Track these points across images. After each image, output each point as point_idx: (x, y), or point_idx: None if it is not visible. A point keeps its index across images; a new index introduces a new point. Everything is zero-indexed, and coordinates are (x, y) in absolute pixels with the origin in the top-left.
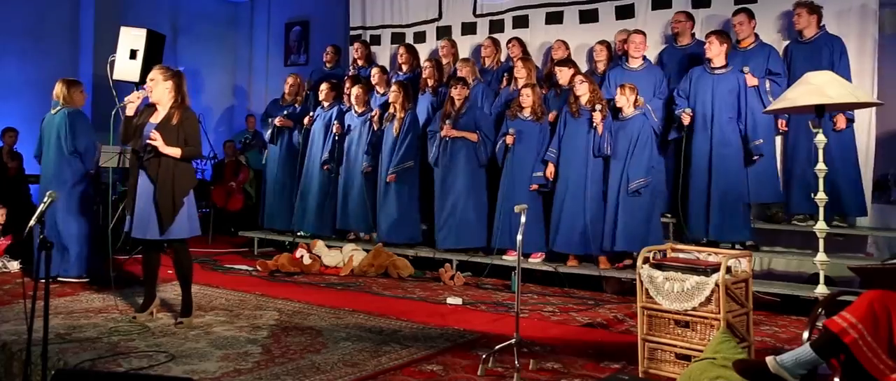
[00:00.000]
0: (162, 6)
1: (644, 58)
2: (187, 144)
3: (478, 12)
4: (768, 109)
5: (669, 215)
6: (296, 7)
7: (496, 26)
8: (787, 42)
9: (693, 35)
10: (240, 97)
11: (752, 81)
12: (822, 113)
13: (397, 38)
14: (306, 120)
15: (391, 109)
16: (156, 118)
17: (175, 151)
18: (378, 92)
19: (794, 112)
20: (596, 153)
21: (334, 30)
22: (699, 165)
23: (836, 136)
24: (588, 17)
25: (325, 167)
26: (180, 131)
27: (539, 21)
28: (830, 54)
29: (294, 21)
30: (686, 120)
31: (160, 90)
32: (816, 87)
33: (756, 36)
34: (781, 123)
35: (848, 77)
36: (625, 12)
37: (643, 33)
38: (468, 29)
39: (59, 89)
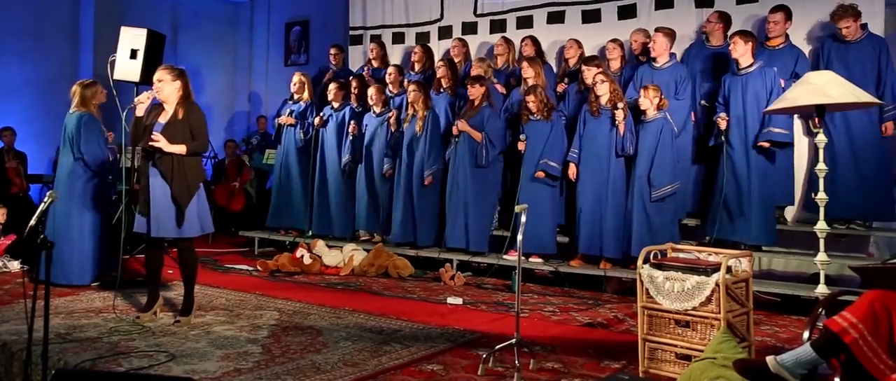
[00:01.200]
0: (162, 6)
1: (672, 55)
2: (194, 138)
3: (479, 12)
4: (768, 108)
5: (692, 218)
6: (296, 7)
7: (497, 26)
8: (812, 46)
9: (726, 36)
10: (239, 97)
11: (780, 81)
12: (822, 113)
13: (398, 38)
14: (317, 121)
15: (411, 110)
16: (164, 117)
17: (180, 149)
18: (391, 91)
19: (793, 112)
20: (619, 153)
21: (334, 30)
22: (735, 167)
23: (873, 140)
24: (590, 16)
25: (346, 168)
26: (187, 126)
27: (541, 21)
28: (877, 55)
29: (294, 21)
30: (722, 125)
31: (169, 90)
32: (817, 87)
33: (787, 37)
34: (813, 122)
35: (894, 79)
36: (627, 12)
37: (664, 32)
38: (469, 29)
39: (74, 91)
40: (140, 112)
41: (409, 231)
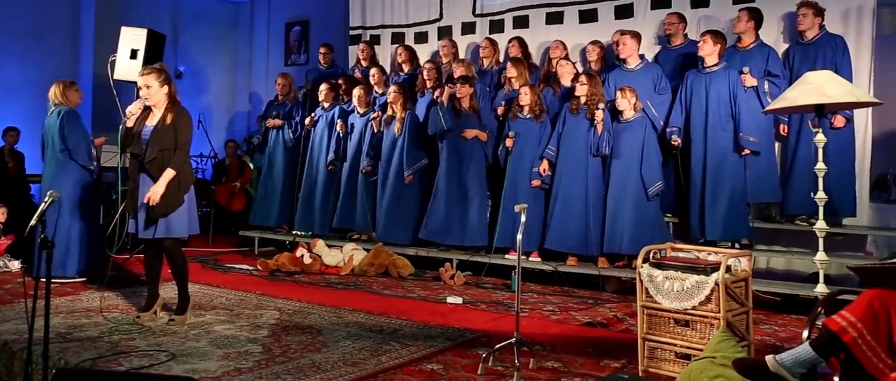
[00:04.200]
0: (162, 6)
1: (641, 57)
2: (177, 146)
3: (478, 12)
4: (768, 108)
5: (671, 215)
6: (296, 7)
7: (496, 26)
8: (787, 45)
9: (686, 36)
10: (240, 97)
11: (750, 81)
12: (821, 113)
13: (397, 38)
14: (307, 121)
15: (390, 110)
16: (152, 120)
17: (169, 175)
18: (376, 92)
19: (793, 112)
20: (594, 153)
21: (334, 30)
22: (697, 165)
23: (834, 135)
24: (588, 17)
25: (331, 167)
26: (173, 131)
27: (539, 21)
28: (833, 54)
29: (294, 21)
30: (674, 144)
31: (159, 96)
32: (816, 86)
33: (757, 36)
34: (783, 128)
35: (850, 77)
36: (624, 12)
37: (633, 34)
38: (468, 29)
39: (53, 91)
40: (131, 123)
41: (392, 229)
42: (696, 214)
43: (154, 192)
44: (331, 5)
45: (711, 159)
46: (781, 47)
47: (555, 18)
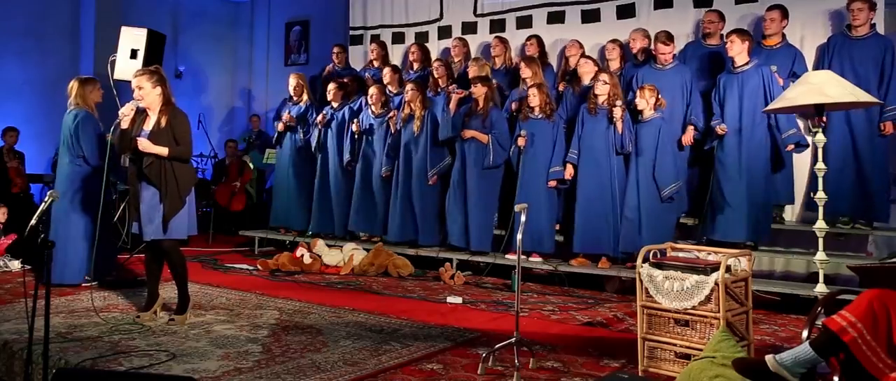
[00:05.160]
0: (162, 6)
1: (674, 56)
2: (177, 145)
3: (478, 12)
4: (767, 108)
5: (691, 217)
6: (296, 7)
7: (497, 26)
8: (816, 42)
9: (722, 36)
10: (240, 97)
11: (778, 80)
12: (821, 112)
13: (398, 38)
14: (319, 119)
15: (407, 109)
16: (148, 124)
17: (162, 150)
18: (391, 91)
19: (793, 111)
20: (618, 150)
21: (334, 30)
22: (725, 166)
23: (882, 142)
24: (590, 16)
25: (349, 168)
26: (170, 132)
27: (541, 21)
28: (882, 54)
29: (294, 21)
30: (721, 132)
31: (152, 97)
32: (816, 86)
33: (783, 36)
34: (814, 121)
35: (894, 79)
36: (626, 12)
37: (667, 36)
38: (469, 29)
39: (71, 88)
40: (126, 124)
41: (409, 230)
42: (719, 215)
43: (144, 142)
44: (331, 5)
45: (744, 162)
46: (806, 44)
47: (556, 18)
